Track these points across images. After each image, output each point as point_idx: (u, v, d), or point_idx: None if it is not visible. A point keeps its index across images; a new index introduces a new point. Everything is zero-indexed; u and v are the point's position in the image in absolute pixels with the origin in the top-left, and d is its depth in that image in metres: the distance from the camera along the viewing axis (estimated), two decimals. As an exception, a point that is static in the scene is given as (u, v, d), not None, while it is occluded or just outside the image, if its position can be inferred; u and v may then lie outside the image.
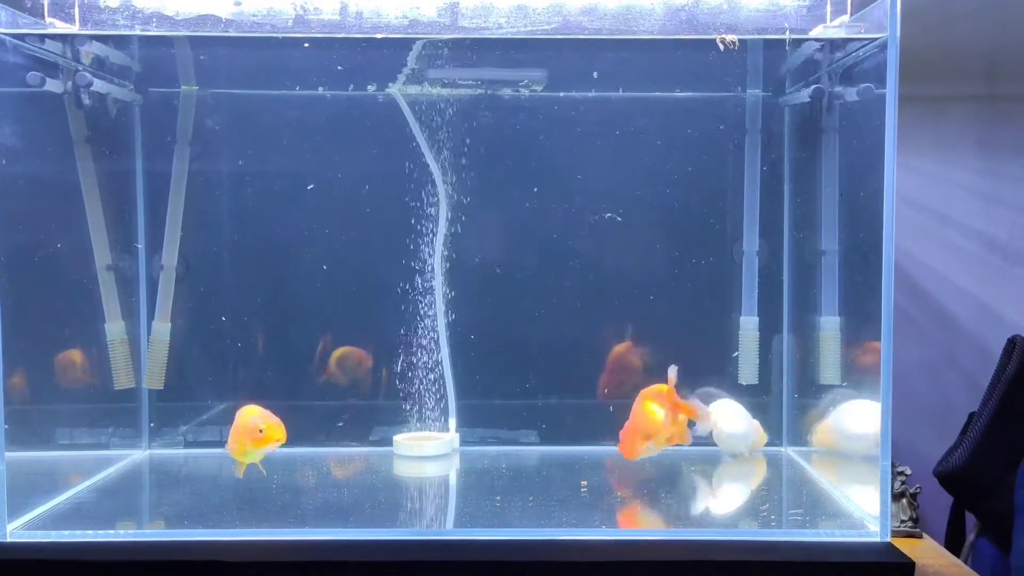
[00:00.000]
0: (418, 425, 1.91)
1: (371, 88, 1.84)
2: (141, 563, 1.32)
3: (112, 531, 1.45)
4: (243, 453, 1.51)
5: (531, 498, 1.61)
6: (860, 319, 1.57)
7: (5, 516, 1.41)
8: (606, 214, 1.87)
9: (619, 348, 1.92)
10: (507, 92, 1.86)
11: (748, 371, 1.89)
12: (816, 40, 1.60)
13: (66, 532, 1.42)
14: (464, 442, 1.92)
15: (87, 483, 1.67)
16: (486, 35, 1.49)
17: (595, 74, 1.84)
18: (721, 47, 1.48)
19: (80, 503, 1.58)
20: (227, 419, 1.90)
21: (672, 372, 1.54)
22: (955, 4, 1.89)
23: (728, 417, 1.82)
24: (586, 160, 1.90)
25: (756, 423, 1.84)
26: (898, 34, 1.34)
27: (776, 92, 1.86)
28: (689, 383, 1.90)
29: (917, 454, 1.83)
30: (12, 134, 1.45)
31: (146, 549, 1.36)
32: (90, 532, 1.42)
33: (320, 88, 1.85)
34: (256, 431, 1.48)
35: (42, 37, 1.54)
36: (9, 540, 1.40)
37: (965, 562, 1.74)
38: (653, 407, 1.55)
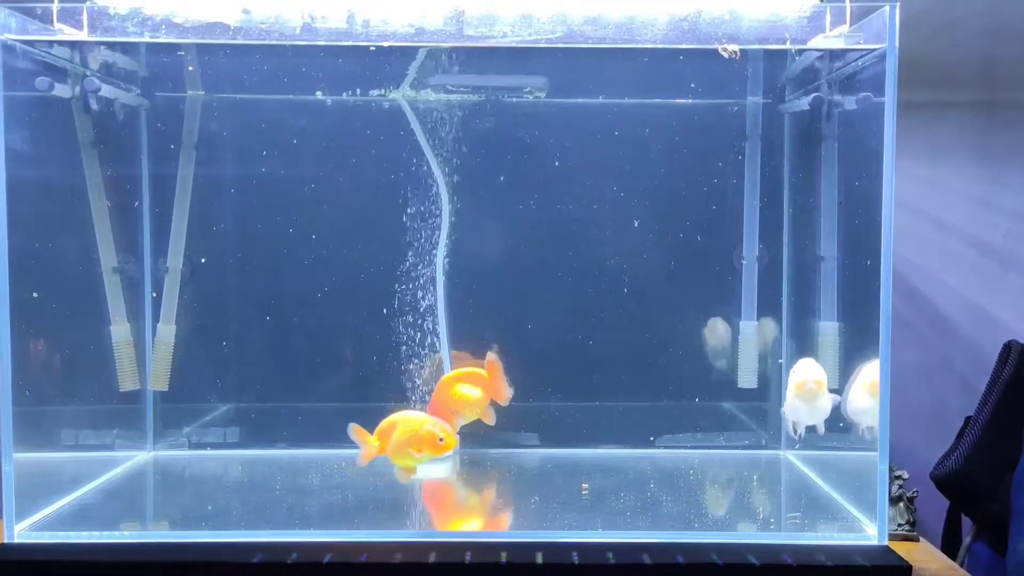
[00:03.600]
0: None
1: (376, 94, 1.85)
2: (147, 564, 1.33)
3: (118, 532, 1.46)
4: (415, 460, 1.53)
5: (533, 500, 1.63)
6: (858, 324, 1.59)
7: (12, 517, 1.42)
8: (634, 222, 1.88)
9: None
10: (510, 98, 1.88)
11: (747, 375, 1.91)
12: (816, 50, 1.62)
13: (72, 533, 1.43)
14: (465, 445, 1.93)
15: (92, 484, 1.68)
16: (491, 44, 1.50)
17: (598, 81, 1.86)
18: (725, 55, 1.50)
19: (86, 504, 1.59)
20: (231, 421, 1.94)
21: (491, 357, 1.73)
22: (951, 13, 1.91)
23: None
24: (588, 166, 1.91)
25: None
26: (897, 45, 1.36)
27: (776, 99, 1.88)
28: (689, 387, 1.93)
29: (913, 458, 1.85)
30: (21, 138, 1.46)
31: (151, 550, 1.37)
32: (96, 533, 1.43)
33: (325, 94, 1.87)
34: (437, 440, 1.51)
35: (51, 43, 1.55)
36: (16, 541, 1.41)
37: (961, 565, 1.76)
38: (465, 389, 1.72)
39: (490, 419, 1.75)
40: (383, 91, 1.85)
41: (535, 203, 1.91)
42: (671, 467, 1.84)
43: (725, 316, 1.93)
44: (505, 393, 1.74)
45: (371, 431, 1.90)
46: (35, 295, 1.57)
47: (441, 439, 1.52)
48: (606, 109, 1.91)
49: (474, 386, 1.74)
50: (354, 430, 1.54)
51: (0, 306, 1.42)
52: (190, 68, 1.77)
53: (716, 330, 1.93)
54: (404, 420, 1.53)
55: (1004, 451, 1.79)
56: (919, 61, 1.53)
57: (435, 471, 1.83)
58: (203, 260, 1.88)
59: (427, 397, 1.88)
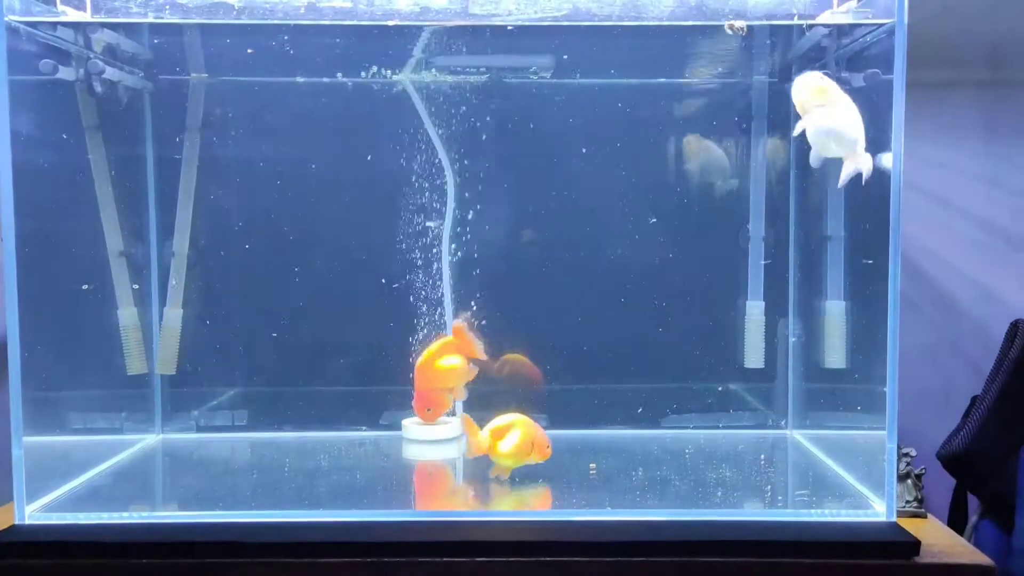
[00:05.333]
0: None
1: (380, 74, 1.85)
2: (157, 544, 1.34)
3: (127, 513, 1.47)
4: (524, 462, 1.60)
5: (540, 480, 1.64)
6: (865, 304, 1.59)
7: (24, 499, 1.43)
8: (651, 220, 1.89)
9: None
10: (515, 79, 1.87)
11: (754, 355, 1.91)
12: (824, 26, 1.61)
13: (82, 515, 1.44)
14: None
15: (102, 467, 1.69)
16: (497, 22, 1.50)
17: (603, 61, 1.85)
18: (729, 32, 1.49)
19: (96, 486, 1.60)
20: (238, 404, 1.95)
21: (456, 323, 1.77)
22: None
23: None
24: (593, 146, 1.91)
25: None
26: (906, 20, 1.35)
27: (783, 77, 1.87)
28: (692, 368, 1.93)
29: (920, 436, 1.85)
30: (25, 121, 1.45)
31: (161, 531, 1.38)
32: (106, 514, 1.44)
33: (330, 75, 1.86)
34: (546, 447, 1.61)
35: (55, 24, 1.54)
36: (28, 522, 1.42)
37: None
38: (447, 361, 1.75)
39: (472, 376, 1.79)
40: (388, 72, 1.85)
41: (540, 184, 1.91)
42: (678, 447, 1.84)
43: (729, 294, 1.93)
44: (479, 350, 1.76)
45: (377, 412, 1.93)
46: (85, 287, 1.60)
47: (548, 446, 1.61)
48: (612, 89, 1.90)
49: (452, 355, 1.76)
50: (465, 421, 1.61)
51: (9, 291, 1.42)
52: (248, 51, 1.75)
53: (692, 146, 1.89)
54: (522, 424, 1.61)
55: (1010, 430, 1.79)
56: (926, 40, 1.52)
57: (444, 452, 1.84)
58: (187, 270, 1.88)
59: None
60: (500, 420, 1.61)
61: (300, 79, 1.86)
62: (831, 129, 1.42)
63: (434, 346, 1.77)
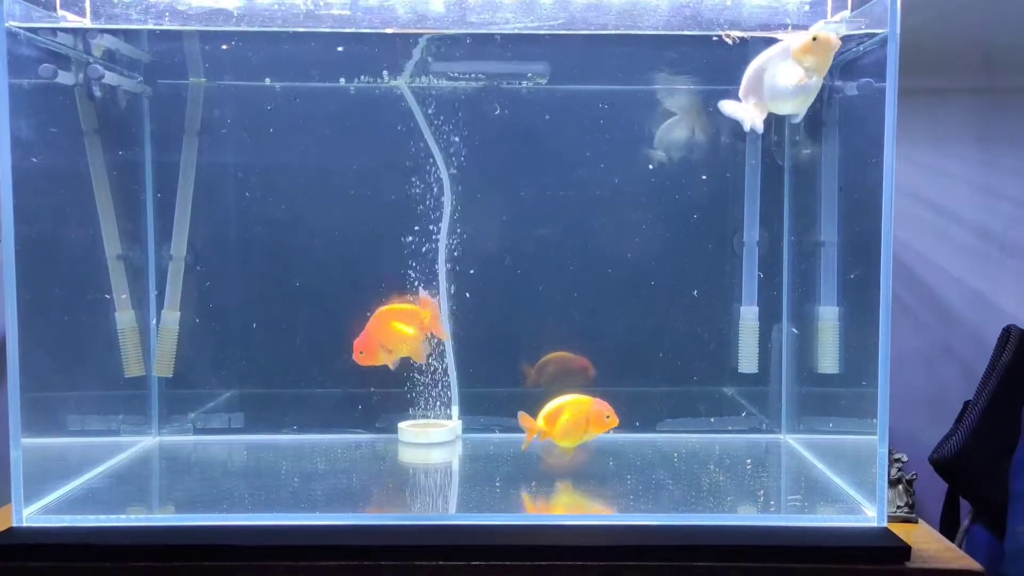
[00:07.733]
0: (423, 412, 1.93)
1: (378, 80, 1.86)
2: (154, 547, 1.35)
3: (125, 516, 1.47)
4: (581, 440, 1.64)
5: (533, 484, 1.65)
6: (859, 309, 1.60)
7: (22, 501, 1.43)
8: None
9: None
10: (511, 85, 1.88)
11: (748, 360, 1.92)
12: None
13: (79, 517, 1.45)
14: (467, 429, 1.95)
15: (99, 469, 1.69)
16: (494, 31, 1.51)
17: (599, 68, 1.86)
18: (729, 42, 1.50)
19: (93, 489, 1.61)
20: (235, 406, 1.96)
21: (424, 295, 1.76)
22: (952, -1, 1.91)
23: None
24: (588, 152, 1.92)
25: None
26: (898, 31, 1.37)
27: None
28: (687, 372, 1.94)
29: (913, 441, 1.86)
30: (25, 126, 1.46)
31: (159, 533, 1.39)
32: (103, 517, 1.45)
33: (327, 81, 1.87)
34: (604, 418, 1.62)
35: (54, 30, 1.55)
36: (26, 525, 1.43)
37: (959, 547, 1.77)
38: (401, 326, 1.73)
39: (421, 357, 1.77)
40: (385, 78, 1.86)
41: (536, 189, 1.92)
42: (671, 451, 1.85)
43: (724, 299, 1.94)
44: (442, 327, 1.78)
45: (373, 415, 1.94)
46: (107, 296, 1.63)
47: (607, 416, 1.62)
48: (606, 95, 1.91)
49: (409, 324, 1.74)
50: (523, 417, 1.64)
51: (8, 294, 1.43)
52: (223, 47, 1.76)
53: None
54: (571, 404, 1.63)
55: (1002, 435, 1.80)
56: (920, 47, 1.53)
57: (439, 455, 1.84)
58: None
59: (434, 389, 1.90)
60: (552, 404, 1.64)
61: (298, 84, 1.87)
62: (812, 95, 1.49)
63: (397, 306, 1.75)
